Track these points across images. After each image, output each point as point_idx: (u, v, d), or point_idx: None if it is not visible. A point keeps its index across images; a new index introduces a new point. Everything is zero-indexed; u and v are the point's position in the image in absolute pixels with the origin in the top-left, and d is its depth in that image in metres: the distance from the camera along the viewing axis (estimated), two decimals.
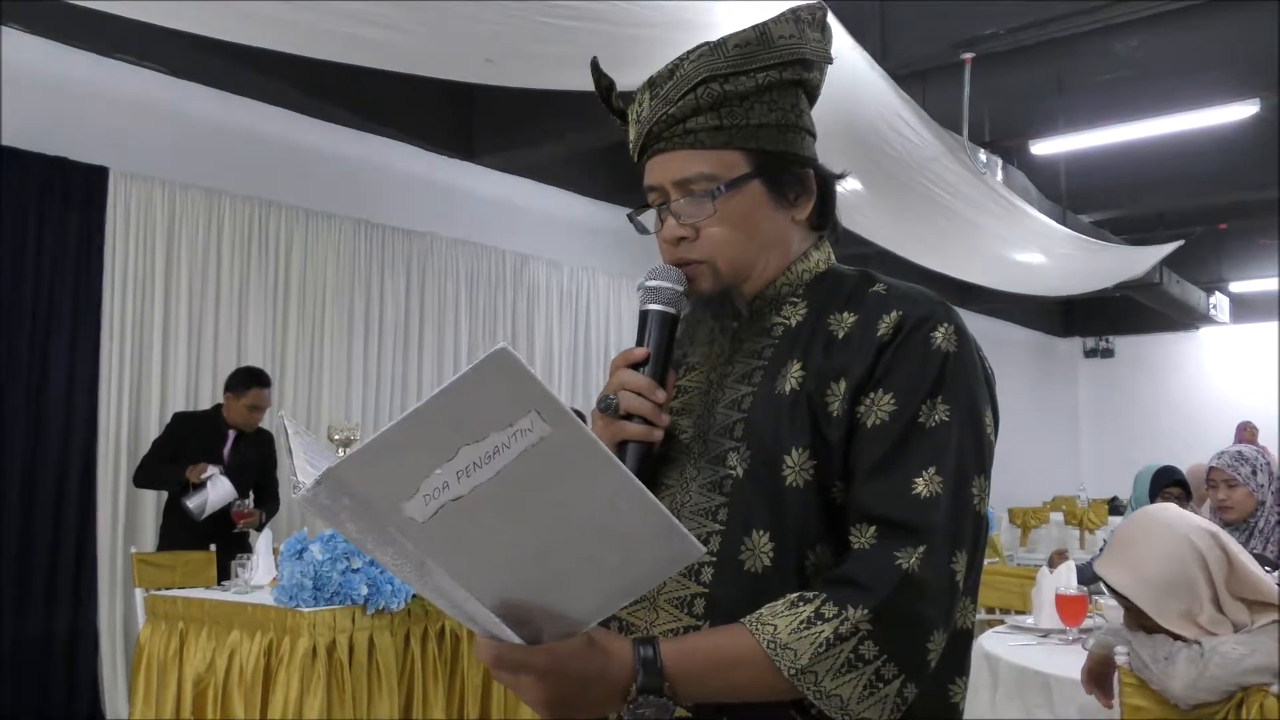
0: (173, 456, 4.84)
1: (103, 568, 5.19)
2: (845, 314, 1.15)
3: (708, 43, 1.19)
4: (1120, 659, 1.95)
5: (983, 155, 6.12)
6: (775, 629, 1.01)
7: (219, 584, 4.21)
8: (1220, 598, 1.91)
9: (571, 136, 6.44)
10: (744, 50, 1.17)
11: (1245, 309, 13.23)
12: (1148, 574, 1.96)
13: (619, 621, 1.14)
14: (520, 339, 7.52)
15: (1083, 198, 8.43)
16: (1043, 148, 7.43)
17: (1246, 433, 10.96)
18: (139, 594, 4.09)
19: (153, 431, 5.28)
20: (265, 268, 6.03)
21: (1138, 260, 9.33)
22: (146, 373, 5.48)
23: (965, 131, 5.91)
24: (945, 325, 1.11)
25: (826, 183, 1.24)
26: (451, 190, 7.12)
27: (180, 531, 4.78)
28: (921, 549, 1.03)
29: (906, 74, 5.45)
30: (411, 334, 6.86)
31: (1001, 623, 3.35)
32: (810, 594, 1.03)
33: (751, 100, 1.17)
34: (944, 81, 6.07)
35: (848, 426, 1.09)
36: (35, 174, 5.04)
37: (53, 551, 5.05)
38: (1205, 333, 14.05)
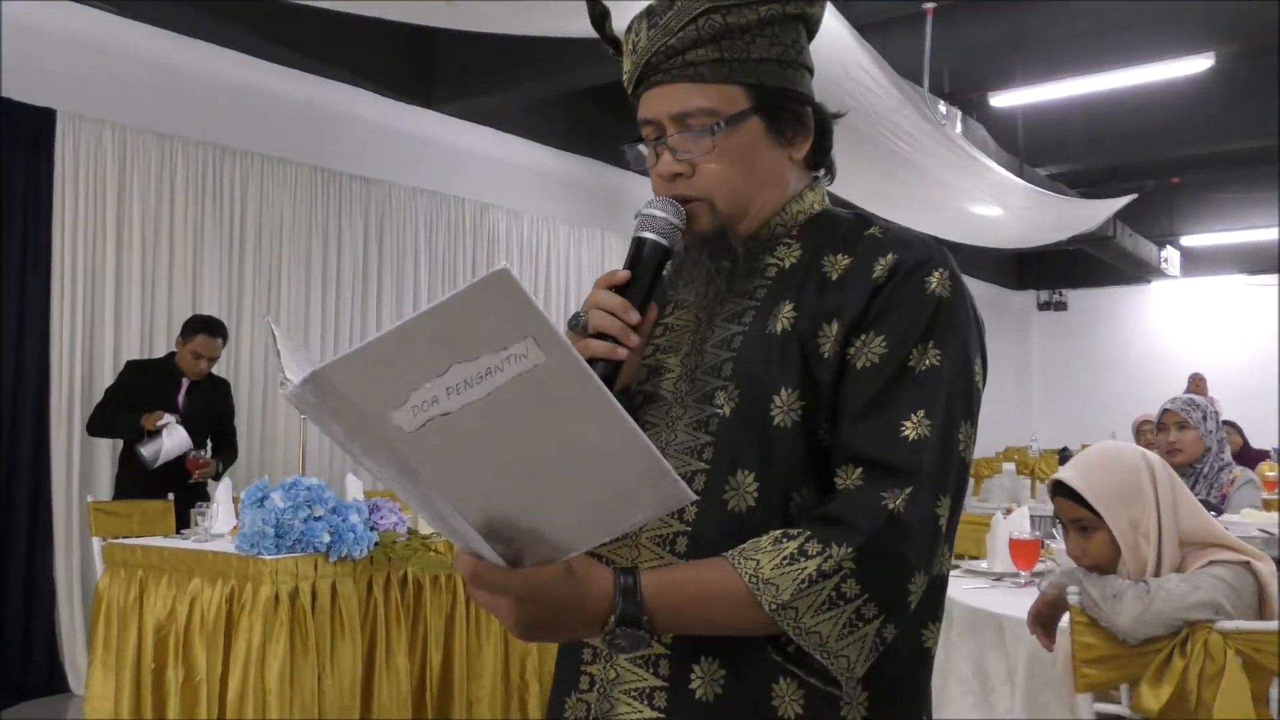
0: (127, 405, 4.79)
1: (58, 517, 5.14)
2: (840, 256, 1.14)
3: None
4: (1072, 598, 2.00)
5: (942, 107, 6.14)
6: (758, 564, 1.02)
7: (177, 533, 4.19)
8: (1163, 525, 1.98)
9: (532, 84, 6.38)
10: None
11: (1196, 263, 13.44)
12: (1103, 476, 2.05)
13: (600, 558, 1.13)
14: None
15: (1039, 151, 8.50)
16: (1001, 100, 7.47)
17: (1196, 385, 11.20)
18: (96, 543, 4.05)
19: (106, 380, 5.21)
20: (220, 214, 5.94)
21: (1092, 213, 9.43)
22: (99, 321, 5.40)
23: (926, 83, 5.92)
24: (941, 270, 1.11)
25: (825, 121, 1.22)
26: (410, 137, 7.02)
27: (136, 481, 4.74)
28: (908, 490, 1.03)
29: (868, 24, 5.45)
30: (370, 283, 6.81)
31: (956, 567, 3.43)
32: (794, 531, 1.03)
33: (753, 34, 1.15)
34: (905, 33, 6.06)
35: (838, 368, 1.09)
36: None
37: (6, 501, 4.99)
38: (1157, 286, 14.26)
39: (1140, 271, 13.07)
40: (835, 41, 4.65)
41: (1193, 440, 3.55)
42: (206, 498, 4.16)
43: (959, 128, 6.45)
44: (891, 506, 1.03)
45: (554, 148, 8.02)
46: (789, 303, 1.13)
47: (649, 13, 1.18)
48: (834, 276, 1.13)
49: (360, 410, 0.83)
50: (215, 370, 5.10)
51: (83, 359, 5.31)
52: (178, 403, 4.88)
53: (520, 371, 0.82)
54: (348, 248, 6.64)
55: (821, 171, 1.25)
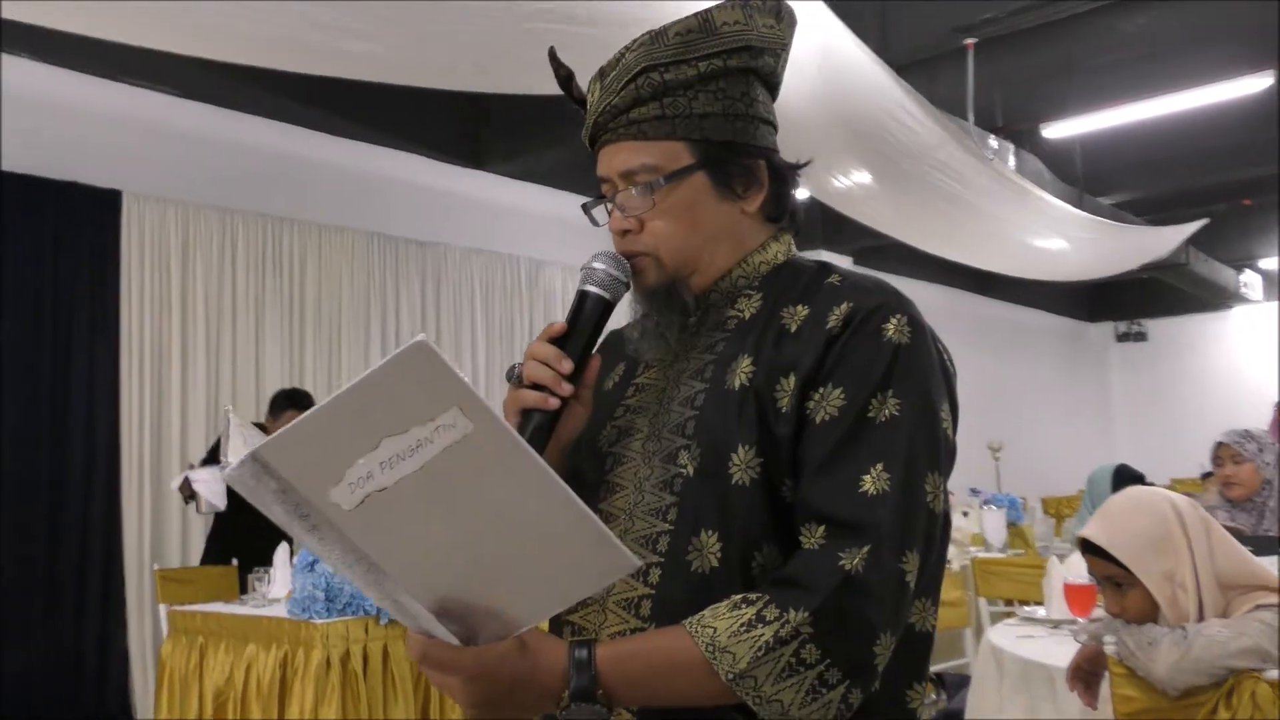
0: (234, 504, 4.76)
1: (130, 585, 5.27)
2: (799, 306, 1.12)
3: (650, 32, 1.16)
4: (1109, 648, 1.92)
5: (992, 141, 6.06)
6: (715, 631, 0.98)
7: (239, 598, 4.24)
8: (1199, 571, 1.88)
9: (581, 140, 6.44)
10: (685, 39, 1.14)
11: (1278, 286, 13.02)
12: (1128, 529, 1.95)
13: (570, 625, 1.12)
14: None
15: (1100, 180, 8.31)
16: (1055, 130, 7.34)
17: None
18: (162, 609, 4.14)
19: (174, 449, 5.34)
20: (280, 284, 6.09)
21: (1161, 241, 9.19)
22: (166, 393, 5.55)
23: (971, 117, 5.85)
24: (898, 316, 1.07)
25: (781, 173, 1.20)
26: (463, 199, 7.14)
27: (226, 550, 4.75)
28: (866, 549, 0.99)
29: (911, 63, 5.42)
30: None
31: (1013, 614, 3.32)
32: (754, 595, 1.00)
33: (695, 89, 1.14)
34: (951, 69, 6.01)
35: (797, 422, 1.06)
36: (48, 199, 5.11)
37: (80, 569, 5.13)
38: (1239, 311, 13.82)
39: (1220, 297, 12.68)
40: (874, 82, 4.63)
41: (1249, 473, 3.46)
42: (268, 562, 4.20)
43: (1012, 161, 6.36)
44: (849, 566, 0.99)
45: None
46: (747, 357, 1.11)
47: (600, 73, 1.20)
48: (792, 328, 1.11)
49: (299, 490, 0.83)
50: None
51: (151, 429, 5.45)
52: None
53: (450, 442, 0.81)
54: (406, 310, 6.76)
55: (785, 222, 1.23)
